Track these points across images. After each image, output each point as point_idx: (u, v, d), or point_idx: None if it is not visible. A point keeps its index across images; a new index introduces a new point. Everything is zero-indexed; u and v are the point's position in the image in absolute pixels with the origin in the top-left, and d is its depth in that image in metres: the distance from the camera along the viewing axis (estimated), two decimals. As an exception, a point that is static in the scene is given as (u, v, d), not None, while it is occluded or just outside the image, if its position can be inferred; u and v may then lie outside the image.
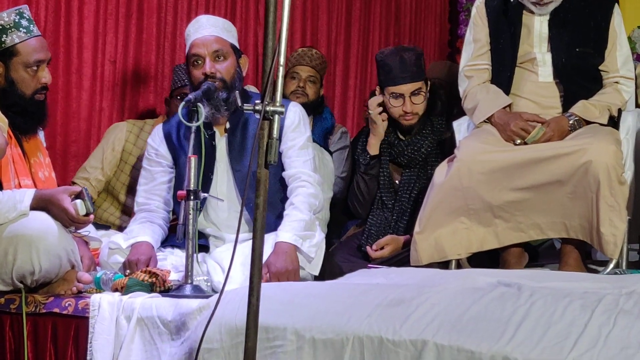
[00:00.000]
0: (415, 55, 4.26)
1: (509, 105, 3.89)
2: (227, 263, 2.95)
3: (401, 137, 4.32)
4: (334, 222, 4.54)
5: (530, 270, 3.55)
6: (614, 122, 3.84)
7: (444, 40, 6.44)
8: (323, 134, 4.77)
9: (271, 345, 2.66)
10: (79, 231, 3.50)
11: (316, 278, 3.67)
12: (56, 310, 3.22)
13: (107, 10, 4.74)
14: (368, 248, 4.15)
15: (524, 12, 3.94)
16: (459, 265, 3.77)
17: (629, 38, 5.30)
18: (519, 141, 3.75)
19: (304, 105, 4.21)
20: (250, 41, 5.30)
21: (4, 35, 3.45)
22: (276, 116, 2.38)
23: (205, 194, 3.58)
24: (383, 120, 4.31)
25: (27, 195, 3.25)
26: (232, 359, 2.72)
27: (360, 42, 5.86)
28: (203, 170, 3.60)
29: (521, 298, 2.54)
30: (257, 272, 2.39)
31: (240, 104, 2.64)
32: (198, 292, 3.24)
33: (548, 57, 3.89)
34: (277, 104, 2.38)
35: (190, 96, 3.48)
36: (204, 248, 3.74)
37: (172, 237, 3.76)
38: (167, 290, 3.33)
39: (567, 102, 3.85)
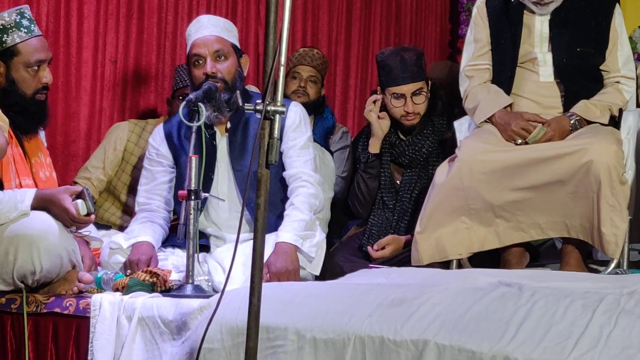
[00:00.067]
0: (416, 55, 4.26)
1: (510, 105, 3.89)
2: (228, 263, 2.95)
3: (402, 137, 4.33)
4: (335, 222, 4.54)
5: (532, 270, 3.55)
6: (615, 122, 3.84)
7: (445, 41, 6.43)
8: (324, 133, 4.77)
9: (272, 345, 2.66)
10: (79, 231, 3.50)
11: (317, 278, 3.67)
12: (57, 310, 3.22)
13: (108, 10, 4.74)
14: (369, 248, 4.15)
15: (525, 12, 3.94)
16: (460, 265, 3.77)
17: (630, 38, 5.30)
18: (519, 141, 3.76)
19: (305, 105, 4.21)
20: (251, 41, 5.30)
21: (5, 35, 3.45)
22: (277, 116, 2.38)
23: (206, 194, 3.58)
24: (381, 118, 4.30)
25: (28, 195, 3.25)
26: (233, 359, 2.72)
27: (361, 42, 5.86)
28: (204, 170, 3.60)
29: (522, 298, 2.54)
30: (258, 272, 2.39)
31: (241, 104, 2.64)
32: (199, 292, 3.24)
33: (549, 57, 3.89)
34: (278, 104, 2.38)
35: (191, 96, 3.48)
36: (205, 248, 3.74)
37: (173, 237, 3.76)
38: (168, 290, 3.33)
39: (568, 102, 3.85)
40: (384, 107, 4.34)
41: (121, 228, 4.31)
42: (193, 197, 3.30)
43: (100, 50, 4.71)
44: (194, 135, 3.38)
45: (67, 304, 3.22)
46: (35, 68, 3.48)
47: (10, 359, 3.24)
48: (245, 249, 3.09)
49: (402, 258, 3.97)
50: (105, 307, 3.16)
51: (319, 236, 3.69)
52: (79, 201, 3.27)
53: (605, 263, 3.68)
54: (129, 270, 3.50)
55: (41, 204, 3.25)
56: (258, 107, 2.39)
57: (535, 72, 3.91)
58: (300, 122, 3.82)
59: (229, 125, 3.79)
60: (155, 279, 3.34)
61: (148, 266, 3.47)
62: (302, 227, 3.62)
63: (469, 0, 5.96)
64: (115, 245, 3.67)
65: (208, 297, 3.09)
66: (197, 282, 3.30)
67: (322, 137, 4.73)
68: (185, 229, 3.28)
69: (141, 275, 3.34)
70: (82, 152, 4.66)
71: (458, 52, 5.92)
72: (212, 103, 3.66)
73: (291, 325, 2.66)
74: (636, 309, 2.42)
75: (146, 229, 3.73)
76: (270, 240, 3.50)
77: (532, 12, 3.92)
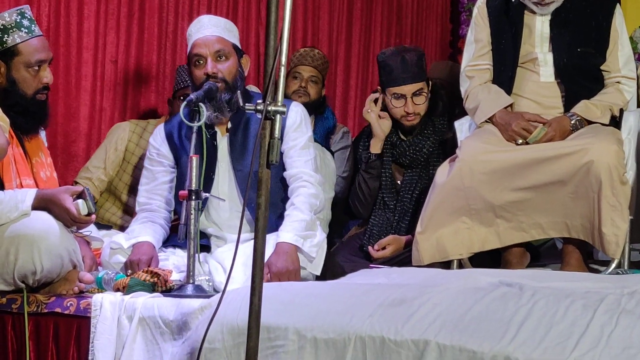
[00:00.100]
0: (416, 55, 4.26)
1: (511, 105, 3.89)
2: (229, 263, 2.95)
3: (403, 137, 4.33)
4: (336, 222, 4.54)
5: (532, 270, 3.55)
6: (615, 122, 3.84)
7: (446, 41, 6.44)
8: (325, 133, 4.77)
9: (273, 345, 2.66)
10: (80, 231, 3.50)
11: (318, 278, 3.67)
12: (58, 310, 3.22)
13: (109, 10, 4.74)
14: (370, 248, 4.15)
15: (526, 12, 3.94)
16: (460, 265, 3.77)
17: (631, 38, 5.30)
18: (520, 141, 3.75)
19: (305, 105, 4.21)
20: (251, 41, 5.30)
21: (6, 35, 3.45)
22: (278, 116, 2.38)
23: (207, 194, 3.58)
24: (382, 118, 4.30)
25: (29, 195, 3.25)
26: (234, 359, 2.72)
27: (362, 42, 5.86)
28: (204, 170, 3.60)
29: (523, 298, 2.54)
30: (259, 272, 2.39)
31: (242, 104, 2.64)
32: (200, 292, 3.24)
33: (549, 57, 3.89)
34: (279, 104, 2.38)
35: (192, 96, 3.48)
36: (206, 248, 3.74)
37: (174, 237, 3.76)
38: (168, 290, 3.33)
39: (569, 102, 3.85)
40: (384, 107, 4.34)
41: (122, 228, 4.31)
42: (194, 197, 3.30)
43: (100, 50, 4.71)
44: (194, 135, 3.38)
45: (68, 304, 3.22)
46: (36, 68, 3.48)
47: (11, 359, 3.24)
48: (246, 249, 3.09)
49: (402, 258, 3.97)
50: (106, 307, 3.16)
51: (320, 236, 3.69)
52: (80, 201, 3.27)
53: (606, 263, 3.68)
54: (129, 270, 3.50)
55: (42, 204, 3.26)
56: (259, 107, 2.39)
57: (536, 72, 3.91)
58: (301, 122, 3.82)
59: (229, 125, 3.79)
60: (156, 279, 3.34)
61: (149, 266, 3.47)
62: (303, 227, 3.62)
63: (470, 0, 5.96)
64: (116, 245, 3.67)
65: (209, 297, 3.09)
66: (197, 282, 3.30)
67: (322, 137, 4.73)
68: (186, 229, 3.28)
69: (142, 275, 3.34)
70: (82, 152, 4.66)
71: (459, 52, 5.92)
72: (212, 103, 3.66)
73: (292, 325, 2.66)
74: (637, 309, 2.42)
75: (147, 229, 3.73)
76: (271, 240, 3.50)
77: (533, 12, 3.92)
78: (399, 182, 4.32)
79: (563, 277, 3.04)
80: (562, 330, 2.37)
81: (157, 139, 3.88)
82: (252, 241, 2.44)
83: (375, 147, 4.32)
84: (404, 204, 4.24)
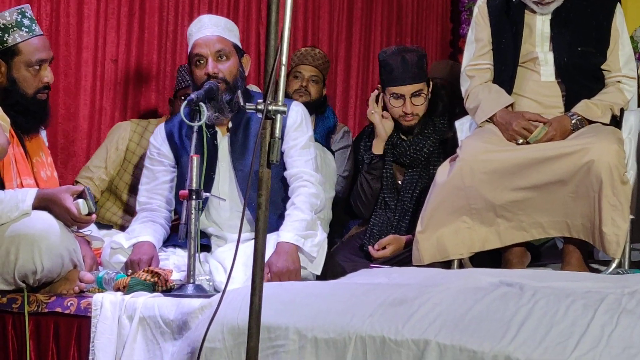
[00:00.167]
0: (417, 56, 4.26)
1: (511, 105, 3.89)
2: (229, 263, 2.95)
3: (403, 137, 4.33)
4: (336, 222, 4.54)
5: (533, 270, 3.55)
6: (616, 121, 3.84)
7: (446, 40, 6.44)
8: (325, 133, 4.77)
9: (273, 345, 2.66)
10: (81, 230, 3.50)
11: (318, 278, 3.67)
12: (58, 309, 3.22)
13: (109, 10, 4.74)
14: (370, 248, 4.15)
15: (526, 11, 3.94)
16: (461, 265, 3.77)
17: (631, 37, 5.30)
18: (521, 141, 3.75)
19: (306, 104, 4.21)
20: (252, 40, 5.31)
21: (6, 35, 3.45)
22: (278, 115, 2.38)
23: (207, 194, 3.57)
24: (385, 118, 4.30)
25: (29, 194, 3.25)
26: (235, 359, 2.71)
27: (362, 41, 5.86)
28: (205, 169, 3.60)
29: (523, 298, 2.54)
30: (260, 272, 2.39)
31: (242, 104, 2.64)
32: (200, 292, 3.24)
33: (550, 56, 3.89)
34: (279, 103, 2.38)
35: (193, 95, 3.48)
36: (206, 248, 3.74)
37: (174, 237, 3.76)
38: (169, 290, 3.33)
39: (569, 102, 3.85)
40: (385, 107, 4.34)
41: (122, 228, 4.31)
42: (194, 197, 3.30)
43: (100, 50, 4.71)
44: (195, 135, 3.38)
45: (69, 304, 3.22)
46: (37, 67, 3.48)
47: (12, 358, 3.24)
48: (247, 249, 3.09)
49: (403, 258, 3.97)
50: (107, 306, 3.16)
51: (320, 236, 3.69)
52: (80, 201, 3.27)
53: (607, 263, 3.68)
54: (130, 270, 3.50)
55: (42, 203, 3.26)
56: (259, 107, 2.39)
57: (537, 72, 3.91)
58: (302, 122, 3.82)
59: (230, 125, 3.79)
60: (156, 278, 3.34)
61: (149, 266, 3.47)
62: (304, 227, 3.62)
63: (470, -1, 5.97)
64: (117, 244, 3.67)
65: (209, 296, 3.09)
66: (198, 282, 3.30)
67: (323, 136, 4.73)
68: (187, 229, 3.28)
69: (142, 275, 3.34)
70: (82, 152, 4.66)
71: (459, 51, 5.92)
72: (213, 104, 3.66)
73: (292, 325, 2.66)
74: (637, 308, 2.42)
75: (147, 229, 3.73)
76: (272, 240, 3.50)
77: (533, 11, 3.92)
78: (399, 181, 4.32)
79: (563, 276, 3.04)
80: (562, 330, 2.37)
81: (158, 138, 3.88)
82: (253, 241, 2.44)
83: (378, 147, 4.32)
84: (405, 203, 4.24)
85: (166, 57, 4.94)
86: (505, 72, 3.94)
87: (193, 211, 3.30)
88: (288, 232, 3.59)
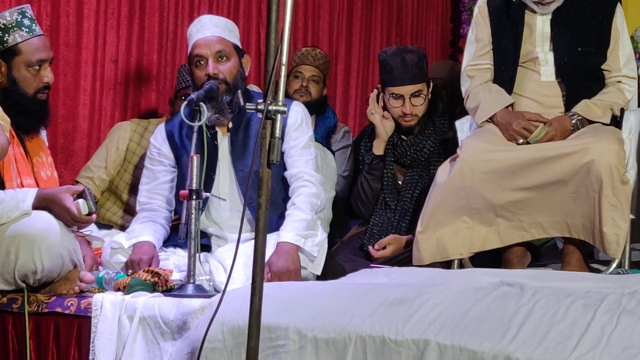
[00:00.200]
0: (417, 56, 4.26)
1: (512, 105, 3.89)
2: (229, 263, 2.95)
3: (404, 137, 4.32)
4: (336, 222, 4.53)
5: (533, 270, 3.55)
6: (616, 121, 3.84)
7: (446, 40, 6.44)
8: (326, 133, 4.78)
9: (273, 345, 2.66)
10: (81, 230, 3.50)
11: (318, 278, 3.67)
12: (59, 309, 3.22)
13: (109, 10, 4.74)
14: (370, 248, 4.15)
15: (526, 11, 3.94)
16: (461, 265, 3.78)
17: (632, 37, 5.30)
18: (521, 141, 3.76)
19: (307, 104, 4.21)
20: (252, 40, 5.31)
21: (6, 35, 3.45)
22: (278, 115, 2.38)
23: (207, 194, 3.57)
24: (386, 118, 4.29)
25: (30, 194, 3.25)
26: (235, 359, 2.71)
27: (362, 41, 5.86)
28: (205, 169, 3.60)
29: (523, 298, 2.54)
30: (260, 272, 2.39)
31: (242, 104, 2.64)
32: (200, 292, 3.24)
33: (550, 56, 3.89)
34: (280, 103, 2.38)
35: (193, 95, 3.48)
36: (206, 248, 3.74)
37: (175, 237, 3.76)
38: (169, 290, 3.33)
39: (570, 102, 3.85)
40: (385, 106, 4.34)
41: (123, 228, 4.31)
42: (194, 197, 3.30)
43: (100, 50, 4.71)
44: (195, 135, 3.38)
45: (69, 304, 3.22)
46: (37, 67, 3.48)
47: (12, 358, 3.24)
48: (247, 249, 3.09)
49: (403, 258, 3.97)
50: (107, 306, 3.16)
51: (321, 236, 3.69)
52: (81, 201, 3.27)
53: (607, 263, 3.68)
54: (130, 270, 3.50)
55: (42, 203, 3.26)
56: (259, 107, 2.39)
57: (537, 72, 3.91)
58: (302, 122, 3.82)
59: (230, 125, 3.79)
60: (156, 278, 3.34)
61: (149, 266, 3.47)
62: (304, 227, 3.62)
63: (471, -1, 5.97)
64: (117, 244, 3.67)
65: (209, 296, 3.09)
66: (198, 282, 3.30)
67: (323, 136, 4.73)
68: (187, 229, 3.28)
69: (142, 275, 3.34)
70: (82, 152, 4.66)
71: (459, 51, 5.92)
72: (213, 104, 3.66)
73: (292, 324, 2.66)
74: (638, 309, 2.42)
75: (147, 229, 3.73)
76: (272, 240, 3.50)
77: (534, 11, 3.92)
78: (400, 182, 4.32)
79: (564, 276, 3.04)
80: (562, 330, 2.37)
81: (158, 138, 3.88)
82: (253, 241, 2.44)
83: (378, 148, 4.32)
84: (405, 203, 4.24)
85: (166, 57, 4.94)
86: (505, 72, 3.94)
87: (193, 211, 3.30)
88: (288, 232, 3.59)
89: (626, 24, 3.98)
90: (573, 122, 3.76)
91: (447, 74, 4.82)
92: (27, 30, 3.47)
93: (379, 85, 4.36)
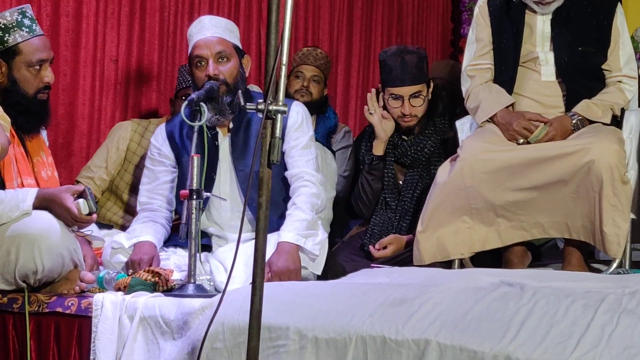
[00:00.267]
0: (417, 57, 4.25)
1: (512, 105, 3.89)
2: (230, 263, 2.95)
3: (404, 137, 4.32)
4: (337, 222, 4.54)
5: (533, 270, 3.55)
6: (617, 121, 3.84)
7: (447, 40, 6.44)
8: (326, 133, 4.78)
9: (274, 345, 2.66)
10: (81, 230, 3.50)
11: (319, 277, 3.67)
12: (59, 309, 3.22)
13: (109, 9, 4.74)
14: (371, 247, 4.15)
15: (527, 11, 3.94)
16: (461, 265, 3.78)
17: (632, 37, 5.30)
18: (521, 140, 3.76)
19: (307, 104, 4.21)
20: (253, 40, 5.31)
21: (7, 35, 3.45)
22: (279, 115, 2.38)
23: (208, 194, 3.57)
24: (385, 118, 4.29)
25: (30, 194, 3.25)
26: (235, 359, 2.72)
27: (362, 41, 5.87)
28: (206, 170, 3.60)
29: (524, 298, 2.54)
30: (260, 272, 2.39)
31: (243, 104, 2.64)
32: (201, 292, 3.24)
33: (550, 56, 3.89)
34: (280, 103, 2.38)
35: (193, 95, 3.48)
36: (207, 248, 3.74)
37: (175, 237, 3.76)
38: (169, 290, 3.33)
39: (570, 102, 3.85)
40: (385, 106, 4.33)
41: (123, 227, 4.31)
42: (195, 197, 3.30)
43: (100, 50, 4.71)
44: (195, 135, 3.38)
45: (69, 304, 3.22)
46: (37, 67, 3.49)
47: (13, 358, 3.24)
48: (247, 249, 3.09)
49: (403, 258, 3.97)
50: (107, 306, 3.16)
51: (321, 236, 3.69)
52: (81, 200, 3.27)
53: (607, 263, 3.68)
54: (130, 270, 3.50)
55: (43, 203, 3.26)
56: (260, 107, 2.39)
57: (537, 72, 3.91)
58: (302, 122, 3.82)
59: (231, 125, 3.79)
60: (157, 278, 3.34)
61: (150, 266, 3.47)
62: (304, 227, 3.62)
63: (471, -1, 5.97)
64: (117, 244, 3.67)
65: (210, 296, 3.09)
66: (199, 282, 3.30)
67: (324, 136, 4.73)
68: (187, 229, 3.28)
69: (143, 275, 3.34)
70: (82, 152, 4.66)
71: (460, 51, 5.92)
72: (213, 105, 3.66)
73: (293, 324, 2.66)
74: (638, 308, 2.42)
75: (148, 229, 3.73)
76: (272, 239, 3.50)
77: (534, 11, 3.92)
78: (400, 182, 4.32)
79: (564, 276, 3.04)
80: (562, 330, 2.37)
81: (159, 138, 3.88)
82: (253, 241, 2.44)
83: (378, 148, 4.31)
84: (405, 203, 4.24)
85: (167, 57, 4.94)
86: (505, 72, 3.94)
87: (194, 211, 3.30)
88: (289, 232, 3.59)
89: (626, 24, 3.98)
90: (573, 122, 3.76)
91: (448, 74, 4.82)
92: (27, 30, 3.48)
93: (380, 85, 4.36)
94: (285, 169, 3.78)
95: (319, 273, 3.68)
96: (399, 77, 4.21)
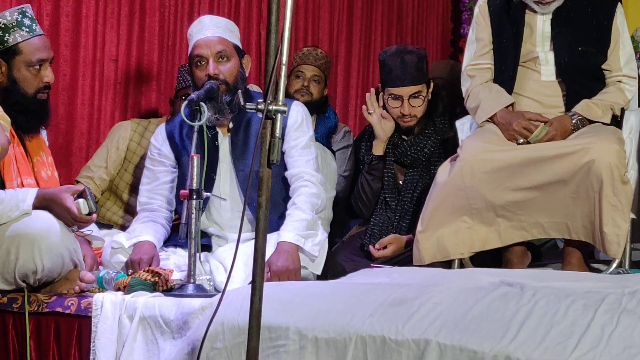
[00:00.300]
0: (417, 57, 4.25)
1: (512, 105, 3.89)
2: (230, 262, 2.95)
3: (404, 137, 4.32)
4: (337, 222, 4.53)
5: (533, 270, 3.55)
6: (617, 121, 3.84)
7: (447, 40, 6.44)
8: (326, 133, 4.77)
9: (274, 345, 2.66)
10: (81, 230, 3.50)
11: (318, 277, 3.67)
12: (59, 309, 3.22)
13: (109, 9, 4.74)
14: (371, 247, 4.15)
15: (527, 11, 3.94)
16: (461, 265, 3.77)
17: (632, 37, 5.30)
18: (521, 140, 3.75)
19: (307, 104, 4.21)
20: (253, 40, 5.31)
21: (7, 34, 3.45)
22: (279, 115, 2.38)
23: (208, 193, 3.57)
24: (384, 118, 4.29)
25: (30, 194, 3.25)
26: (235, 359, 2.72)
27: (362, 41, 5.86)
28: (206, 170, 3.60)
29: (524, 298, 2.54)
30: (260, 272, 2.39)
31: (242, 104, 2.64)
32: (200, 292, 3.24)
33: (550, 56, 3.89)
34: (280, 103, 2.38)
35: (193, 95, 3.48)
36: (207, 247, 3.74)
37: (175, 237, 3.76)
38: (169, 290, 3.33)
39: (570, 101, 3.85)
40: (384, 106, 4.33)
41: (123, 227, 4.31)
42: (195, 197, 3.30)
43: (100, 49, 4.71)
44: (195, 135, 3.38)
45: (69, 304, 3.22)
46: (37, 67, 3.49)
47: (13, 358, 3.24)
48: (247, 249, 3.09)
49: (403, 257, 3.97)
50: (107, 306, 3.16)
51: (321, 235, 3.70)
52: (81, 200, 3.27)
53: (607, 263, 3.68)
54: (130, 270, 3.50)
55: (43, 203, 3.26)
56: (260, 107, 2.39)
57: (537, 72, 3.91)
58: (302, 122, 3.82)
59: (231, 125, 3.79)
60: (156, 278, 3.34)
61: (150, 266, 3.47)
62: (304, 227, 3.62)
63: (471, -1, 5.97)
64: (117, 244, 3.67)
65: (210, 296, 3.09)
66: (198, 282, 3.30)
67: (324, 136, 4.73)
68: (187, 229, 3.28)
69: (143, 275, 3.34)
70: (81, 152, 4.66)
71: (460, 51, 5.92)
72: (213, 104, 3.66)
73: (293, 324, 2.66)
74: (638, 308, 2.42)
75: (148, 229, 3.73)
76: (272, 239, 3.50)
77: (534, 11, 3.92)
78: (400, 181, 4.32)
79: (564, 276, 3.04)
80: (562, 330, 2.37)
81: (159, 138, 3.88)
82: (253, 241, 2.44)
83: (378, 148, 4.31)
84: (405, 203, 4.24)
85: (167, 57, 4.94)
86: (505, 72, 3.94)
87: (193, 211, 3.30)
88: (289, 232, 3.59)
89: (627, 23, 3.98)
90: (573, 121, 3.76)
91: (448, 74, 4.82)
92: (27, 29, 3.47)
93: (379, 85, 4.36)
94: (285, 169, 3.78)
95: (319, 273, 3.68)
96: (399, 77, 4.21)
